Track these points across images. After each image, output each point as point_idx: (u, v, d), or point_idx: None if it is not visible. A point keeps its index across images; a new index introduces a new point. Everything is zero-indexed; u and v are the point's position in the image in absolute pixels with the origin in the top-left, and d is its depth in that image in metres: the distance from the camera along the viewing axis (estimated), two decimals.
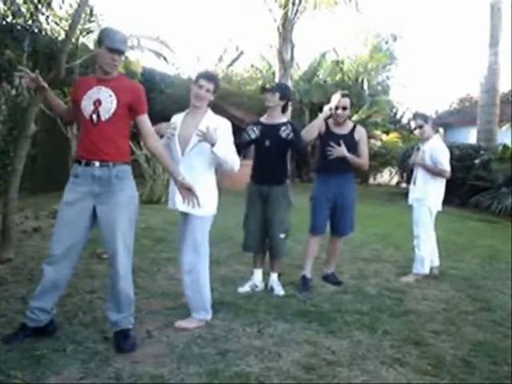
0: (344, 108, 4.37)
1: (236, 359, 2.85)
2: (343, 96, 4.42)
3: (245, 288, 4.18)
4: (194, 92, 3.27)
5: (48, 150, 8.80)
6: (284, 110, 4.17)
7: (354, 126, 4.50)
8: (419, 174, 4.87)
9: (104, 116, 2.86)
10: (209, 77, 3.31)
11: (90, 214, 2.93)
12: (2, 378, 2.51)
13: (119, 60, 2.91)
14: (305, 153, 4.35)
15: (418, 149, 4.97)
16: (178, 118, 3.44)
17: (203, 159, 3.28)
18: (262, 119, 4.20)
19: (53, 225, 6.40)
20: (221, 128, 3.29)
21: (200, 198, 3.10)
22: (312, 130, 4.33)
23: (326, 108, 4.38)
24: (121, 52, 2.88)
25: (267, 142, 4.05)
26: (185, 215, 3.36)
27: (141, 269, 4.48)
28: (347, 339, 3.24)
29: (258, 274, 4.26)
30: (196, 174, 3.24)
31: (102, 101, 2.86)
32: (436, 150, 4.79)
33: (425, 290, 4.48)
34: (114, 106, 2.86)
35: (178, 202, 3.25)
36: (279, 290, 4.18)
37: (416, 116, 4.92)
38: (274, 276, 4.26)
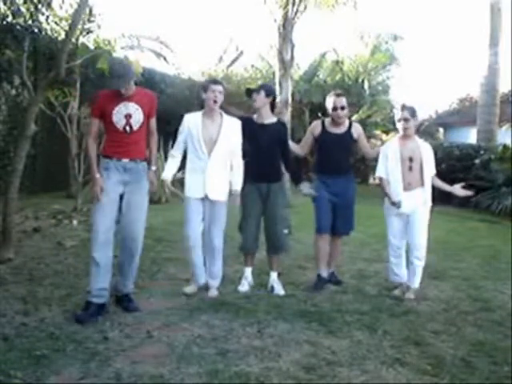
0: (342, 108, 4.33)
1: (236, 359, 2.85)
2: (338, 95, 4.38)
3: (244, 287, 4.23)
4: (210, 97, 3.87)
5: (48, 149, 8.79)
6: (272, 108, 4.22)
7: (350, 124, 4.49)
8: (428, 175, 4.31)
9: (135, 126, 3.51)
10: (216, 81, 4.09)
11: (118, 198, 3.51)
12: (2, 377, 2.51)
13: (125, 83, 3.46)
14: (289, 160, 4.35)
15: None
16: (193, 120, 3.97)
17: (225, 158, 3.95)
18: (255, 118, 4.23)
19: (53, 225, 6.43)
20: (238, 129, 4.01)
21: (224, 187, 3.93)
22: (298, 151, 4.58)
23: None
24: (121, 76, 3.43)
25: (262, 142, 4.11)
26: (211, 205, 3.92)
27: (141, 269, 4.47)
28: (347, 339, 3.24)
29: (249, 272, 4.33)
30: (221, 168, 3.92)
31: (132, 114, 3.49)
32: (431, 152, 4.39)
33: (425, 290, 4.48)
34: (142, 117, 3.52)
35: (209, 191, 3.88)
36: (279, 290, 4.20)
37: (404, 108, 4.35)
38: (274, 275, 4.28)
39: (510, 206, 10.05)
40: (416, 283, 4.29)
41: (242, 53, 17.17)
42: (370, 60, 17.48)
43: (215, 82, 4.05)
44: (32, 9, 6.27)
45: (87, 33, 8.57)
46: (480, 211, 10.43)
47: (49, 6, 6.96)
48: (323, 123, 4.47)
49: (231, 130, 3.97)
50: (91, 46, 8.50)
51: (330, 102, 4.37)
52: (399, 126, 4.30)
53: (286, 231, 4.25)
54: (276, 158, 4.21)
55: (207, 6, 35.67)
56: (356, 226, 4.66)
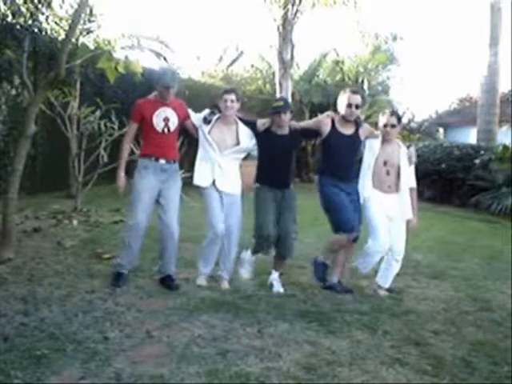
0: (357, 106, 4.12)
1: (236, 359, 2.85)
2: (354, 92, 4.17)
3: (247, 270, 4.33)
4: (223, 106, 4.09)
5: (48, 150, 8.78)
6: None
7: (357, 125, 4.26)
8: (404, 182, 4.26)
9: (171, 128, 4.03)
10: (229, 90, 4.21)
11: (156, 194, 4.03)
12: (1, 377, 2.51)
13: (173, 92, 4.02)
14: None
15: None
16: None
17: (236, 157, 4.23)
18: (273, 129, 4.19)
19: (53, 225, 6.43)
20: (251, 135, 4.19)
21: (236, 181, 4.19)
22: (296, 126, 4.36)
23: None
24: (171, 87, 3.95)
25: (280, 152, 4.16)
26: (230, 199, 4.11)
27: (141, 269, 4.48)
28: (347, 339, 3.24)
29: (253, 259, 4.35)
30: (231, 165, 4.16)
31: (169, 117, 4.00)
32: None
33: (425, 290, 4.48)
34: (177, 121, 4.05)
35: (218, 180, 4.08)
36: (279, 287, 4.23)
37: (393, 113, 4.40)
38: (275, 274, 4.33)
39: (509, 205, 10.05)
40: (389, 283, 4.35)
41: (242, 53, 17.20)
42: (370, 60, 17.47)
43: (227, 90, 4.20)
44: (32, 9, 6.29)
45: (87, 33, 8.58)
46: (480, 211, 10.43)
47: (49, 5, 6.99)
48: (333, 122, 4.20)
49: (247, 136, 4.19)
50: (91, 46, 8.50)
51: (344, 98, 4.13)
52: (385, 130, 4.29)
53: (294, 236, 4.27)
54: (291, 164, 4.30)
55: (207, 6, 35.63)
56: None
